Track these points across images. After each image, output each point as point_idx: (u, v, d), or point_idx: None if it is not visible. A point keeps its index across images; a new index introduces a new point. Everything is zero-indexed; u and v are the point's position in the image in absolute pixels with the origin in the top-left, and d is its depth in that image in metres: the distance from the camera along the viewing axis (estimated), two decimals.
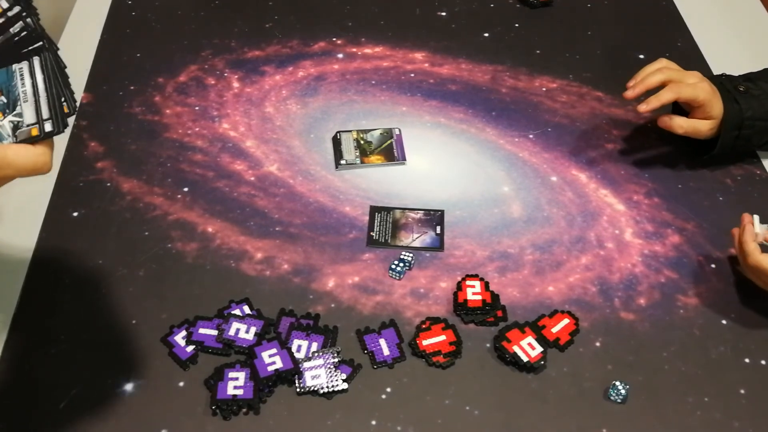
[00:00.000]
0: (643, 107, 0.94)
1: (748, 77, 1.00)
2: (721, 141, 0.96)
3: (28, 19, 0.57)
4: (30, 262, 0.89)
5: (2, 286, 0.86)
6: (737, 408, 0.78)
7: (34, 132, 0.56)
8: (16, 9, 0.56)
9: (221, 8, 1.27)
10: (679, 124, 0.96)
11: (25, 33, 0.57)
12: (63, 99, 0.58)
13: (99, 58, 1.16)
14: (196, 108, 1.09)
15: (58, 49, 0.59)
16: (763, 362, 0.82)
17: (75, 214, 0.94)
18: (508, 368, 0.80)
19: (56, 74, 0.58)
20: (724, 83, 0.98)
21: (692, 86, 0.94)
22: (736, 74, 1.03)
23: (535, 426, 0.76)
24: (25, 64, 0.57)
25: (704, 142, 0.99)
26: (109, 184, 0.98)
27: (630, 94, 0.94)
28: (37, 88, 0.57)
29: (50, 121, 0.57)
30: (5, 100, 0.56)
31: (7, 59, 0.57)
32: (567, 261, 0.91)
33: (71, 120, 0.61)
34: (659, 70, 0.96)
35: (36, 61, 0.57)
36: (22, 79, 0.57)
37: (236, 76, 1.14)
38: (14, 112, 0.56)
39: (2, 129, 0.56)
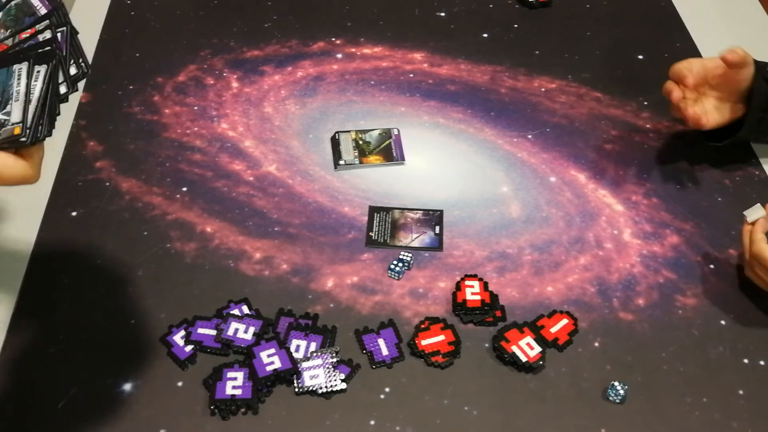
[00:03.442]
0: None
1: None
2: (748, 118, 0.95)
3: (56, 33, 0.57)
4: (29, 261, 0.89)
5: (1, 285, 0.86)
6: (736, 408, 0.78)
7: (17, 131, 0.56)
8: (45, 23, 0.57)
9: (220, 8, 1.27)
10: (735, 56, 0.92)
11: (47, 44, 0.57)
12: (41, 121, 0.57)
13: (98, 57, 1.16)
14: (195, 108, 1.09)
15: (87, 71, 0.59)
16: (761, 363, 0.82)
17: (74, 213, 0.94)
18: (506, 368, 0.80)
19: (52, 93, 0.57)
20: (760, 67, 0.95)
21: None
22: None
23: (534, 426, 0.76)
24: (25, 65, 0.56)
25: (723, 129, 0.97)
26: (108, 184, 0.98)
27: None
28: (31, 92, 0.56)
29: (27, 129, 0.56)
30: None
31: (19, 59, 0.57)
32: (566, 261, 0.91)
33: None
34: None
35: (43, 68, 0.57)
36: (19, 78, 0.56)
37: (235, 76, 1.14)
38: (3, 111, 0.56)
39: None
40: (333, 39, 1.21)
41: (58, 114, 0.59)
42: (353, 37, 1.21)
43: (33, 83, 0.56)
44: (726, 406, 0.78)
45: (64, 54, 0.59)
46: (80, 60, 0.61)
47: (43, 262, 0.89)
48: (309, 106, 1.10)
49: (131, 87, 1.11)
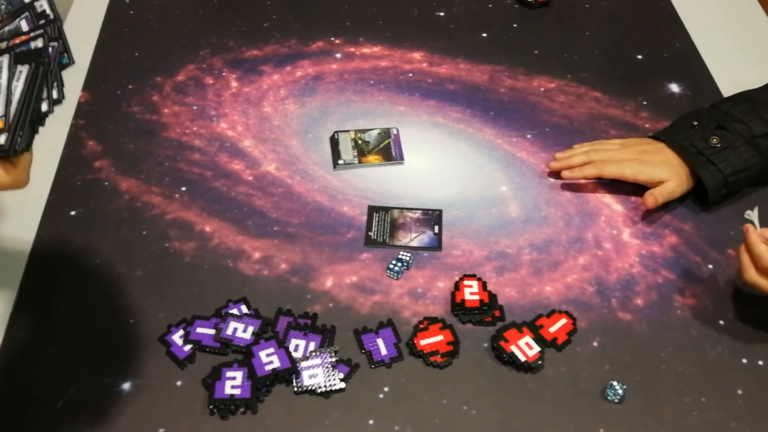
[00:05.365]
0: (566, 173, 0.98)
1: (721, 122, 0.94)
2: (711, 202, 0.94)
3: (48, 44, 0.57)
4: (27, 260, 0.89)
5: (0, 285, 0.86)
6: (734, 408, 0.78)
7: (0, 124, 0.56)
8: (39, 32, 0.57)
9: (219, 7, 1.27)
10: (651, 201, 0.93)
11: (32, 49, 0.57)
12: (20, 131, 0.56)
13: (97, 57, 1.16)
14: (194, 107, 1.09)
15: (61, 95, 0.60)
16: (760, 363, 0.82)
17: (73, 213, 0.94)
18: (505, 368, 0.80)
19: (35, 101, 0.57)
20: (695, 143, 0.93)
21: (617, 163, 0.96)
22: (734, 75, 1.01)
23: (533, 426, 0.76)
24: (6, 57, 0.56)
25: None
26: (107, 183, 0.98)
27: (553, 165, 1.00)
28: (12, 90, 0.56)
29: (7, 132, 0.56)
30: None
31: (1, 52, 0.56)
32: (565, 261, 0.91)
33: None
34: (585, 152, 0.99)
35: (25, 68, 0.56)
36: (0, 70, 0.56)
37: (234, 76, 1.14)
38: None
39: None
40: (332, 38, 1.21)
41: (37, 132, 0.59)
42: (352, 37, 1.21)
43: (15, 83, 0.56)
44: (725, 406, 0.78)
45: (51, 68, 0.59)
46: (61, 86, 0.61)
47: (42, 262, 0.89)
48: (308, 105, 1.10)
49: (130, 86, 1.11)
